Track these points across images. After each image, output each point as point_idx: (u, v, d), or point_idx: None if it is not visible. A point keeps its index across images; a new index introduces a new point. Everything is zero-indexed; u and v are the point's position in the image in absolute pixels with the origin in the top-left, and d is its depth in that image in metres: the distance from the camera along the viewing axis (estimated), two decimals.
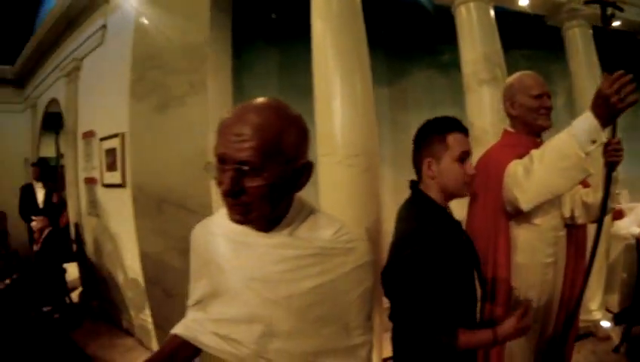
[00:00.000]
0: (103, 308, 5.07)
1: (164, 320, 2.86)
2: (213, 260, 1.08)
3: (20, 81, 8.32)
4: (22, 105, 8.41)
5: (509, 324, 1.41)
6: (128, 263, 4.35)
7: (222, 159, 0.94)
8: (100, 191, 4.60)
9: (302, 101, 4.32)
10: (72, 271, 5.52)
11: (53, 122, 7.22)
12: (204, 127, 2.54)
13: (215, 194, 2.45)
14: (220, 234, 1.08)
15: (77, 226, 5.29)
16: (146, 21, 2.87)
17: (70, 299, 5.32)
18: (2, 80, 8.36)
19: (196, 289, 1.15)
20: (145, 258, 2.86)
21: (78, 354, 4.25)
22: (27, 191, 6.08)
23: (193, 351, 1.13)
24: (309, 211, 1.06)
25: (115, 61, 4.26)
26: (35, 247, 4.98)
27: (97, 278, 5.09)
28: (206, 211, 2.69)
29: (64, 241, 5.20)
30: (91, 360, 4.12)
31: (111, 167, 4.28)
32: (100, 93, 4.64)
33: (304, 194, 1.10)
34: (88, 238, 5.11)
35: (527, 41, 5.06)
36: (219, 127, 0.96)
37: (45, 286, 4.76)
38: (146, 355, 4.25)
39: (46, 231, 4.87)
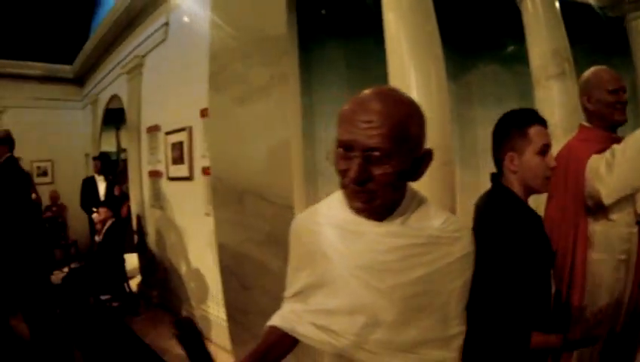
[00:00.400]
0: (163, 297, 5.20)
1: (239, 312, 2.87)
2: (319, 250, 1.06)
3: (80, 80, 8.67)
4: (81, 103, 8.76)
5: (581, 332, 1.36)
6: (192, 254, 4.44)
7: (349, 146, 0.93)
8: (165, 184, 4.71)
9: None
10: (131, 261, 5.68)
11: (113, 118, 7.48)
12: (285, 118, 2.54)
13: (297, 186, 2.43)
14: (327, 224, 1.07)
15: (139, 218, 5.44)
16: (221, 14, 2.90)
17: (129, 288, 5.47)
18: (63, 79, 8.75)
19: (296, 281, 1.13)
20: (222, 249, 2.88)
21: (136, 342, 4.38)
22: (89, 184, 6.32)
23: (291, 342, 1.12)
24: (419, 200, 1.06)
25: (180, 57, 4.37)
26: (97, 238, 5.15)
27: (158, 269, 5.22)
28: (286, 203, 2.68)
29: (126, 232, 5.35)
30: (149, 348, 4.22)
31: (177, 160, 4.37)
32: (164, 89, 4.75)
33: None
34: (150, 229, 5.25)
35: (586, 33, 4.83)
36: (342, 115, 0.97)
37: (105, 276, 4.92)
38: (206, 345, 4.41)
39: (109, 223, 5.03)
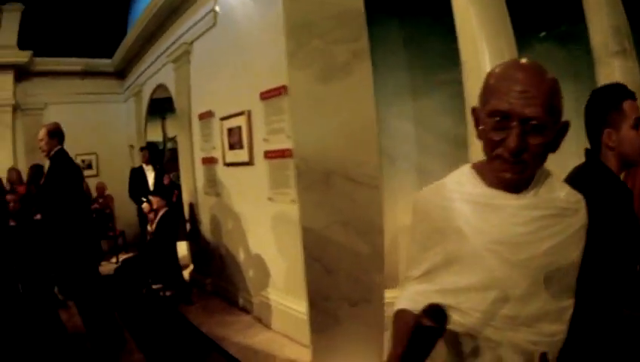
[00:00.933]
0: (217, 285, 5.18)
1: (321, 297, 2.79)
2: (451, 226, 1.04)
3: (121, 73, 8.74)
4: (123, 96, 8.84)
5: None
6: (252, 241, 4.39)
7: (506, 115, 0.93)
8: (221, 170, 4.67)
9: (433, 72, 4.24)
10: (180, 249, 5.67)
11: (158, 108, 7.51)
12: (368, 96, 2.44)
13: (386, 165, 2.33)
14: (459, 199, 1.05)
15: (191, 206, 5.44)
16: None
17: (182, 276, 5.47)
18: (103, 73, 8.83)
19: (425, 260, 1.09)
20: (307, 233, 2.78)
21: (191, 330, 4.34)
22: (137, 174, 6.35)
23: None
24: (546, 173, 1.06)
25: (231, 41, 4.29)
26: (150, 227, 5.15)
27: (213, 256, 5.20)
28: (374, 183, 2.58)
29: (179, 221, 5.36)
30: (206, 336, 4.19)
31: (235, 145, 4.31)
32: (215, 74, 4.69)
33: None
34: (204, 217, 5.24)
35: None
36: (493, 86, 0.97)
37: (159, 265, 4.91)
38: (266, 333, 4.36)
39: (162, 212, 5.02)
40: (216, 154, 4.72)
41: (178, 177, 6.85)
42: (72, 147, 7.68)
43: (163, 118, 8.18)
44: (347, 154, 2.47)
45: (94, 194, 7.87)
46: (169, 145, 8.46)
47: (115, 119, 8.74)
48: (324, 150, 2.57)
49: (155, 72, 6.76)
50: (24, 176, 6.52)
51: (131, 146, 8.41)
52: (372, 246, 2.78)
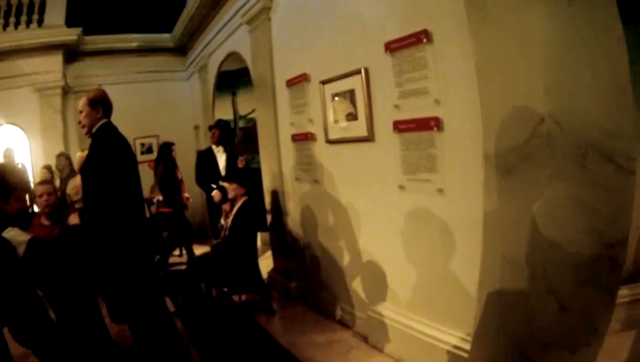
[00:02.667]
0: (306, 290, 4.23)
1: (514, 337, 1.73)
2: None
3: (182, 48, 7.97)
4: (185, 73, 8.09)
5: None
6: (365, 241, 3.37)
7: None
8: (322, 149, 3.66)
9: None
10: None
11: (228, 82, 6.62)
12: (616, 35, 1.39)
13: None
14: None
15: (275, 194, 4.47)
16: None
17: (262, 279, 4.53)
18: (163, 49, 8.12)
19: None
20: (507, 239, 1.84)
21: (274, 348, 3.43)
22: (206, 157, 5.45)
23: None
24: None
25: None
26: (223, 221, 4.21)
27: (301, 256, 4.24)
28: (632, 166, 1.49)
29: (260, 213, 4.42)
30: (287, 352, 3.32)
31: (345, 116, 3.29)
32: (309, 28, 3.69)
33: None
34: (293, 208, 4.27)
35: None
36: None
37: (236, 267, 3.97)
38: (377, 356, 3.33)
39: (240, 202, 4.07)
40: (314, 128, 3.71)
41: (252, 160, 5.96)
42: (131, 130, 7.06)
43: (233, 94, 7.28)
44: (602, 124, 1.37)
45: (154, 181, 7.14)
46: (241, 123, 7.55)
47: (178, 98, 8.03)
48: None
49: (224, 39, 5.84)
50: (75, 164, 5.85)
51: (197, 127, 7.63)
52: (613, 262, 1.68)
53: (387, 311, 3.16)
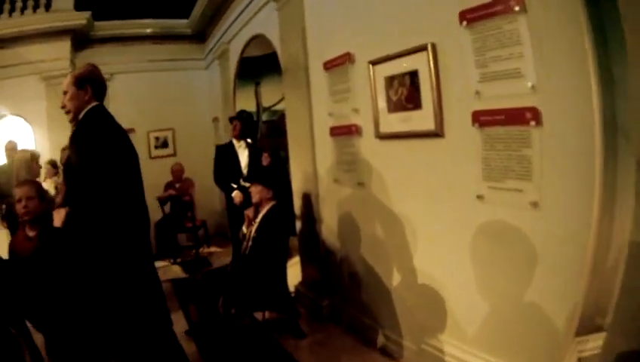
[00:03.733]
0: (341, 311, 3.59)
1: None
2: None
3: (200, 35, 7.35)
4: (204, 61, 7.49)
5: None
6: (418, 261, 2.71)
7: None
8: (370, 145, 2.99)
9: None
10: None
11: (251, 69, 5.97)
12: None
13: None
14: None
15: (306, 198, 3.82)
16: None
17: (290, 297, 3.88)
18: (179, 36, 7.50)
19: None
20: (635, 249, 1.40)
21: None
22: (225, 153, 4.81)
23: None
24: None
25: None
26: (245, 229, 3.56)
27: (336, 271, 3.60)
28: None
29: (289, 220, 3.78)
30: None
31: (403, 104, 2.62)
32: (350, 3, 3.02)
33: None
34: (328, 215, 3.63)
35: None
36: None
37: (260, 284, 3.32)
38: None
39: (266, 207, 3.43)
40: (360, 120, 3.05)
41: (278, 156, 5.32)
42: (144, 122, 6.59)
43: (256, 84, 6.60)
44: None
45: (169, 177, 6.57)
46: (264, 116, 6.88)
47: (195, 89, 7.45)
48: None
49: (247, 21, 5.20)
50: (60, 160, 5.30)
51: (215, 119, 7.01)
52: None
53: (447, 345, 2.53)
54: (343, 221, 3.43)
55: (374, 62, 2.81)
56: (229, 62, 6.04)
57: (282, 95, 6.30)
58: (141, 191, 2.32)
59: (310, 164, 3.69)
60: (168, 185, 6.54)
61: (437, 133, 2.42)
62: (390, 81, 2.70)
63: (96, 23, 6.80)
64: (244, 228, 3.53)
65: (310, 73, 3.61)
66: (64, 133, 6.31)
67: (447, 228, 2.45)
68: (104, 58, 6.88)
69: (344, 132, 3.17)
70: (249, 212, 3.45)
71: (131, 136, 7.19)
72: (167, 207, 6.39)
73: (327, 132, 3.40)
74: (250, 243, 3.34)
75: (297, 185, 3.97)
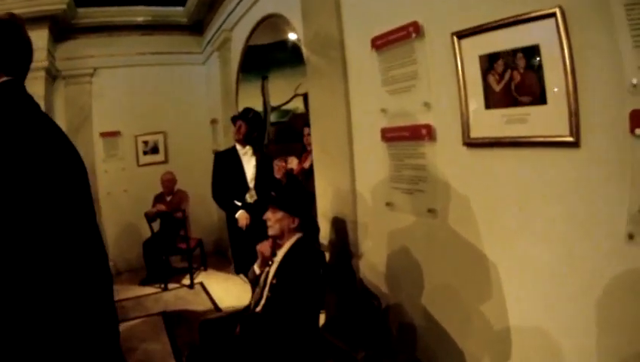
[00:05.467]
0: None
1: None
2: None
3: (198, 25, 6.42)
4: (202, 55, 6.53)
5: None
6: (517, 321, 1.77)
7: None
8: (450, 156, 2.02)
9: None
10: None
11: (257, 61, 5.01)
12: None
13: None
14: None
15: (339, 226, 2.86)
16: None
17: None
18: (175, 26, 6.53)
19: None
20: None
21: None
22: (226, 160, 3.86)
23: None
24: None
25: None
26: (257, 268, 2.55)
27: (382, 321, 2.65)
28: None
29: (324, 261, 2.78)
30: None
31: (512, 95, 1.69)
32: None
33: None
34: (374, 251, 2.66)
35: None
36: None
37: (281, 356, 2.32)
38: None
39: (289, 242, 2.41)
40: (434, 119, 2.08)
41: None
42: (132, 124, 5.69)
43: (263, 78, 5.61)
44: None
45: (159, 189, 5.60)
46: (273, 117, 5.86)
47: (191, 86, 6.48)
48: None
49: (250, 6, 4.27)
50: None
51: (214, 121, 6.03)
52: None
53: None
54: (395, 259, 2.47)
55: (461, 35, 1.86)
56: (231, 53, 5.08)
57: (294, 91, 5.39)
58: (91, 216, 1.37)
59: (346, 179, 2.72)
60: (157, 199, 5.55)
61: (569, 142, 1.49)
62: (490, 61, 1.76)
63: (79, 10, 5.84)
64: (256, 268, 2.55)
65: (348, 55, 2.66)
66: None
67: (570, 280, 1.54)
68: (88, 50, 5.99)
69: (406, 136, 2.21)
70: (263, 248, 2.46)
71: (117, 140, 6.06)
72: (157, 224, 5.42)
73: (375, 135, 2.43)
74: (266, 292, 2.36)
75: (325, 206, 3.00)
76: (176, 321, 4.13)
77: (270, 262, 2.43)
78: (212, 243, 6.25)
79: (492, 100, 1.79)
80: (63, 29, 5.80)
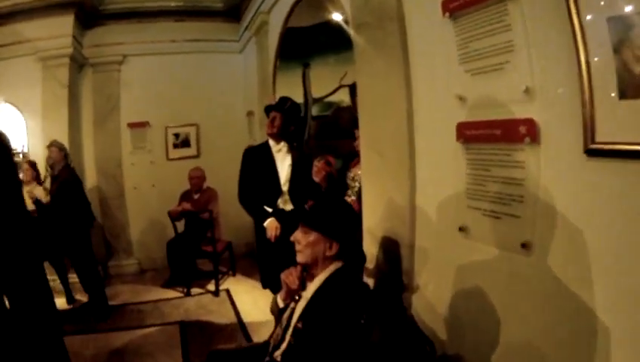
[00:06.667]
0: None
1: None
2: None
3: (234, 10, 5.97)
4: (238, 44, 6.09)
5: None
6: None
7: None
8: (560, 167, 1.38)
9: None
10: None
11: (297, 47, 4.46)
12: None
13: None
14: None
15: (391, 248, 2.25)
16: None
17: None
18: (209, 12, 6.13)
19: None
20: None
21: None
22: (256, 158, 3.30)
23: None
24: None
25: None
26: (281, 300, 1.95)
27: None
28: None
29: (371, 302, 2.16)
30: None
31: None
32: None
33: None
34: (430, 286, 2.05)
35: None
36: None
37: None
38: None
39: (325, 273, 1.75)
40: (539, 112, 1.43)
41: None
42: (162, 115, 5.34)
43: (305, 65, 5.03)
44: None
45: (186, 186, 5.18)
46: (314, 110, 5.29)
47: (226, 76, 6.04)
48: None
49: None
50: None
51: (250, 113, 5.56)
52: None
53: None
54: (462, 300, 1.84)
55: None
56: (269, 38, 4.55)
57: (339, 82, 4.75)
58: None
59: (403, 189, 2.10)
60: (184, 196, 5.13)
61: None
62: (625, 27, 1.11)
63: None
64: (279, 300, 1.98)
65: (409, 26, 2.04)
66: (61, 124, 5.09)
67: None
68: (116, 38, 5.71)
69: (495, 135, 1.57)
70: (289, 279, 1.87)
71: (145, 132, 5.50)
72: (182, 224, 5.00)
73: (447, 133, 1.79)
74: (288, 336, 1.79)
75: (373, 220, 2.39)
76: (192, 334, 3.78)
77: (297, 297, 1.86)
78: (244, 245, 5.81)
79: (631, 87, 1.13)
80: (90, 14, 5.54)
